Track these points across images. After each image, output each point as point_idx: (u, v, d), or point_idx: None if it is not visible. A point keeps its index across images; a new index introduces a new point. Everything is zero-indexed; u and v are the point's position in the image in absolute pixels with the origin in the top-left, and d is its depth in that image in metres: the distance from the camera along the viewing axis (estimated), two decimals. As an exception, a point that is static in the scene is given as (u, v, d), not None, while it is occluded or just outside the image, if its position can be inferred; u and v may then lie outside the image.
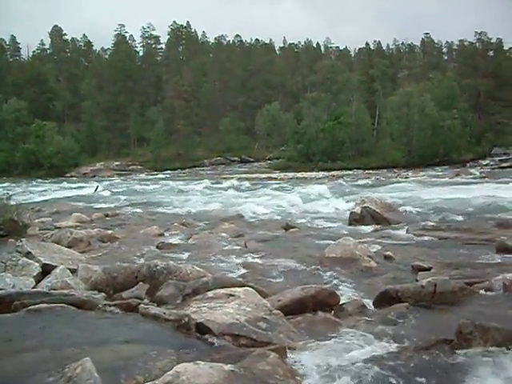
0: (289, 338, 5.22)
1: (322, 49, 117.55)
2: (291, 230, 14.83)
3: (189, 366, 3.85)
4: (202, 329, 5.08)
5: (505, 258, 10.01)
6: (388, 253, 10.29)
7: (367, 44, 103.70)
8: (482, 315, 5.71)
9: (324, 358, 4.83)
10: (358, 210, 16.01)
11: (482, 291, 7.12)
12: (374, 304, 6.72)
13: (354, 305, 6.60)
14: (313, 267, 9.44)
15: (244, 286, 6.36)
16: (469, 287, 6.90)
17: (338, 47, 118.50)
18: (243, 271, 9.32)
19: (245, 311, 5.44)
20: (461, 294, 6.46)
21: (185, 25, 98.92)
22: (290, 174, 48.14)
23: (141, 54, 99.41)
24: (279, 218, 18.48)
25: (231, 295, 5.84)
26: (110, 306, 5.92)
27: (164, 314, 5.24)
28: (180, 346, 4.72)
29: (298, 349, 5.03)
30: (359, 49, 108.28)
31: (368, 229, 14.79)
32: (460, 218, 16.76)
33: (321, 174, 48.21)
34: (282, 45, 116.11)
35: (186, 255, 11.15)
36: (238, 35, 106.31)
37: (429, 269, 8.69)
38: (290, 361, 4.74)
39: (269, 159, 69.18)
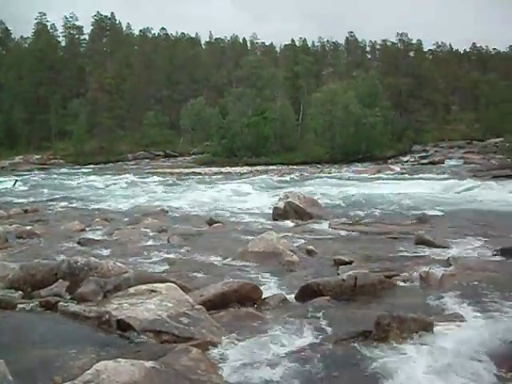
0: (211, 332, 5.20)
1: (248, 44, 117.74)
2: (215, 224, 14.79)
3: (109, 363, 3.77)
4: (124, 325, 5.00)
5: (422, 250, 10.35)
6: (310, 247, 10.43)
7: (293, 41, 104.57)
8: (400, 306, 5.88)
9: (247, 351, 4.84)
10: (281, 204, 16.14)
11: (400, 283, 7.35)
12: (296, 298, 6.79)
13: (277, 299, 6.65)
14: (236, 262, 9.46)
15: (166, 282, 6.30)
16: (388, 280, 7.09)
17: (263, 43, 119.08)
18: (166, 267, 9.24)
19: (167, 307, 5.39)
20: (380, 287, 6.63)
21: (109, 16, 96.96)
22: (215, 169, 48.00)
23: (63, 44, 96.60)
24: (203, 212, 18.40)
25: (153, 291, 5.76)
26: (27, 304, 5.73)
27: (84, 311, 5.12)
28: (101, 344, 4.63)
29: (220, 343, 5.03)
30: (285, 45, 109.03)
31: (291, 223, 14.94)
32: (381, 212, 17.20)
33: (245, 169, 48.31)
34: (207, 39, 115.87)
35: (107, 251, 10.95)
36: (163, 28, 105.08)
37: (350, 262, 8.86)
38: (212, 355, 4.73)
39: (193, 154, 68.72)
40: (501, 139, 54.54)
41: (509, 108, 68.65)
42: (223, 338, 5.16)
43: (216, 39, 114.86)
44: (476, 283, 6.62)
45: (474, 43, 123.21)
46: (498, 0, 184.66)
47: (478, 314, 5.60)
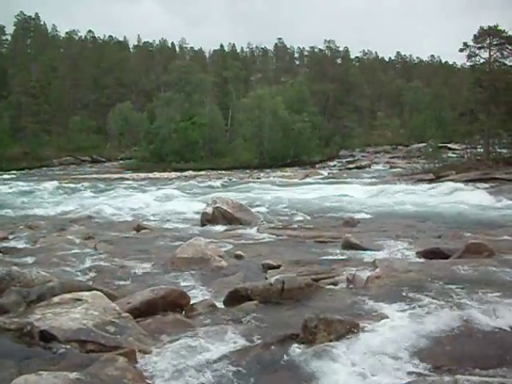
0: (139, 340, 5.12)
1: (177, 49, 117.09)
2: (143, 231, 14.64)
3: (30, 377, 3.64)
4: (47, 336, 4.84)
5: (349, 253, 10.55)
6: (239, 252, 10.46)
7: (221, 46, 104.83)
8: (328, 309, 5.95)
9: (175, 359, 4.79)
10: (209, 210, 16.12)
11: (327, 286, 7.45)
12: (224, 303, 6.78)
13: (205, 304, 6.63)
14: (164, 268, 9.38)
15: (92, 290, 6.15)
16: (315, 283, 7.16)
17: (192, 48, 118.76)
18: (93, 274, 9.06)
19: (92, 315, 5.26)
20: (308, 290, 6.68)
21: (33, 16, 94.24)
22: (143, 175, 47.32)
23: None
24: (131, 219, 18.16)
25: (78, 300, 5.61)
26: None
27: (4, 323, 4.92)
28: (22, 357, 4.46)
29: (148, 351, 4.95)
30: (214, 50, 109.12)
31: (220, 229, 14.95)
32: (309, 216, 17.43)
33: (174, 174, 47.89)
34: (136, 43, 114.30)
35: (31, 259, 10.63)
36: (90, 31, 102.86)
37: (278, 267, 8.93)
38: (139, 364, 4.66)
39: (121, 159, 67.59)
40: (424, 144, 56.23)
41: (431, 114, 70.99)
42: (151, 345, 5.09)
43: (144, 43, 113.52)
44: (400, 284, 6.78)
45: (398, 52, 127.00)
46: (421, 11, 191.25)
47: (402, 314, 5.74)
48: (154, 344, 5.14)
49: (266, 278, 7.66)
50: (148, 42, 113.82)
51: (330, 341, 4.90)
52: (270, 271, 8.63)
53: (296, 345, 4.92)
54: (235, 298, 6.67)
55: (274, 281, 6.55)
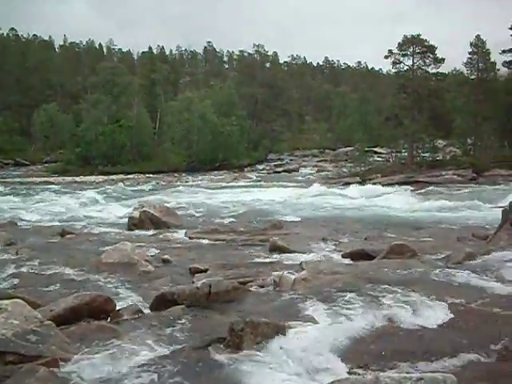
0: (62, 349, 4.96)
1: (105, 50, 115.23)
2: (68, 236, 14.29)
3: None
4: (-39, 348, 4.64)
5: (276, 256, 10.64)
6: (166, 256, 10.38)
7: (150, 48, 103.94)
8: (255, 312, 5.97)
9: (99, 366, 4.69)
10: (136, 214, 15.91)
11: (255, 289, 7.48)
12: (150, 308, 6.70)
13: (131, 310, 6.53)
14: (89, 274, 9.19)
15: (13, 298, 5.94)
16: (243, 286, 7.19)
17: (120, 49, 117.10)
18: (14, 282, 8.77)
19: (12, 325, 5.07)
20: (235, 293, 6.68)
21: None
22: (69, 178, 46.18)
23: None
24: (55, 224, 17.68)
25: (-3, 308, 5.41)
26: None
27: None
28: None
29: (71, 360, 4.81)
30: (142, 52, 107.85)
31: (147, 233, 14.79)
32: (237, 220, 17.47)
33: (101, 178, 47.00)
34: (62, 43, 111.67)
35: None
36: (13, 28, 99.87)
37: (205, 270, 8.91)
38: (62, 373, 4.52)
39: (46, 162, 65.79)
40: (351, 148, 57.37)
41: (358, 119, 72.49)
42: (74, 353, 4.96)
43: (71, 43, 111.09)
44: (326, 285, 6.88)
45: (326, 57, 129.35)
46: (349, 19, 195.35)
47: (329, 314, 5.81)
48: (77, 352, 5.01)
49: (193, 282, 7.62)
50: (75, 42, 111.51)
51: (257, 344, 4.90)
52: (197, 275, 8.60)
53: (223, 348, 4.91)
54: (162, 303, 6.60)
55: (201, 284, 6.52)
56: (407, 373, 4.29)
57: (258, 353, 4.76)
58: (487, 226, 13.67)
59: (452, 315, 5.86)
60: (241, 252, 11.44)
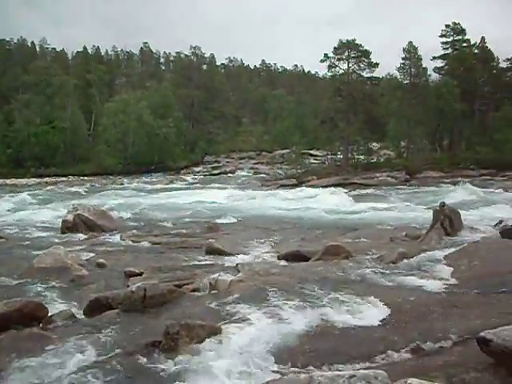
0: (-10, 357, 4.83)
1: (37, 49, 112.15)
2: (-2, 240, 13.87)
3: None
4: None
5: (212, 258, 10.62)
6: (101, 260, 10.19)
7: (85, 48, 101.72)
8: (191, 314, 5.94)
9: (30, 374, 4.58)
10: (70, 217, 15.57)
11: (190, 292, 7.44)
12: (84, 313, 6.58)
13: (64, 315, 6.38)
14: (21, 279, 8.92)
15: None
16: (178, 289, 7.14)
17: (54, 48, 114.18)
18: None
19: None
20: (170, 296, 6.63)
21: None
22: (-1, 181, 44.95)
23: None
24: (-15, 228, 17.11)
25: None
26: None
27: None
28: None
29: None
30: (77, 52, 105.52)
31: (81, 236, 14.49)
32: (173, 222, 17.33)
33: (33, 180, 45.83)
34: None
35: None
36: None
37: (140, 274, 8.81)
38: (-10, 384, 4.39)
39: (-25, 165, 63.89)
40: (287, 150, 57.91)
41: (295, 122, 73.22)
42: (3, 362, 4.81)
43: (1, 41, 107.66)
44: (261, 287, 6.91)
45: (263, 60, 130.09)
46: (286, 22, 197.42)
47: (264, 316, 5.84)
48: (6, 361, 4.87)
49: (128, 286, 7.51)
50: (5, 40, 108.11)
51: (193, 346, 4.90)
52: (132, 279, 8.49)
53: (158, 352, 4.88)
54: (96, 308, 6.49)
55: (136, 288, 6.44)
56: (340, 371, 4.36)
57: (194, 355, 4.75)
58: (419, 226, 14.00)
59: (385, 314, 5.99)
60: (177, 255, 11.36)
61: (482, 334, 4.39)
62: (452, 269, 8.30)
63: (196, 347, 4.89)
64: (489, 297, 6.72)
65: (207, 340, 5.01)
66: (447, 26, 55.10)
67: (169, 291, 6.65)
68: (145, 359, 4.78)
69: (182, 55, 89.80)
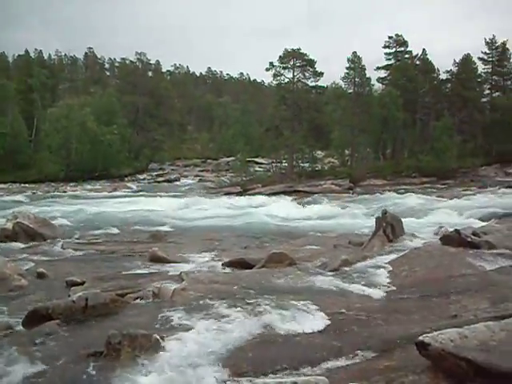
0: None
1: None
2: None
3: None
4: None
5: (156, 267, 10.53)
6: (41, 270, 9.96)
7: (27, 52, 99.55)
8: (133, 324, 5.86)
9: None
10: (9, 225, 15.17)
11: (134, 300, 7.35)
12: (23, 324, 6.39)
13: (0, 327, 6.21)
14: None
15: None
16: (121, 298, 7.04)
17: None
18: None
19: None
20: (113, 306, 6.52)
21: None
22: None
23: None
24: None
25: None
26: None
27: None
28: None
29: None
30: (18, 55, 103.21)
31: (21, 245, 14.14)
32: (117, 230, 17.12)
33: (-31, 188, 44.57)
34: None
35: None
36: None
37: (82, 283, 8.66)
38: None
39: None
40: (232, 158, 57.97)
41: (240, 129, 73.38)
42: None
43: None
44: (205, 295, 6.88)
45: (209, 67, 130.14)
46: (232, 31, 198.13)
47: (208, 324, 5.81)
48: None
49: (69, 296, 7.37)
50: None
51: (135, 356, 4.82)
52: (73, 288, 8.32)
53: (99, 363, 4.79)
54: (35, 319, 6.32)
55: (77, 298, 6.31)
56: (282, 378, 4.39)
57: (136, 365, 4.68)
58: (362, 234, 14.22)
59: (328, 321, 6.06)
60: (120, 263, 11.22)
61: (420, 338, 4.51)
62: (394, 275, 8.47)
63: (138, 357, 4.81)
64: (428, 301, 6.90)
65: (150, 350, 4.95)
66: (390, 37, 56.57)
67: (111, 300, 6.54)
68: (85, 370, 4.68)
69: (128, 61, 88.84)
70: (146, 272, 10.00)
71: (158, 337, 5.16)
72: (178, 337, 5.40)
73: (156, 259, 11.06)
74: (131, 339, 4.91)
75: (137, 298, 7.49)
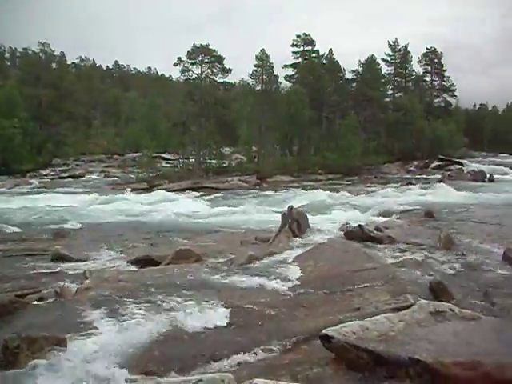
0: None
1: None
2: None
3: None
4: None
5: (59, 266, 10.20)
6: None
7: None
8: (35, 326, 5.67)
9: None
10: None
11: (35, 302, 7.08)
12: None
13: None
14: None
15: None
16: (21, 299, 6.78)
17: None
18: None
19: None
20: (12, 308, 6.28)
21: None
22: None
23: None
24: None
25: None
26: None
27: None
28: None
29: None
30: None
31: None
32: (17, 229, 16.37)
33: None
34: None
35: None
36: None
37: (-21, 284, 8.27)
38: None
39: None
40: (139, 154, 57.10)
41: (147, 125, 72.37)
42: None
43: None
44: (110, 294, 6.75)
45: (116, 61, 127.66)
46: (144, 25, 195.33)
47: (112, 323, 5.73)
48: None
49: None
50: None
51: (35, 359, 4.65)
52: (-31, 290, 7.94)
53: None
54: None
55: (-28, 300, 6.04)
56: (187, 375, 4.37)
57: (35, 369, 4.50)
58: (269, 230, 14.34)
59: (234, 316, 6.10)
60: (20, 263, 10.76)
61: (324, 331, 4.63)
62: (299, 270, 8.62)
63: (38, 361, 4.64)
64: (333, 295, 7.07)
65: (51, 352, 4.80)
66: (298, 36, 57.38)
67: (10, 302, 6.30)
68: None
69: (30, 51, 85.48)
70: (49, 271, 9.67)
71: (60, 338, 5.01)
72: (81, 337, 5.29)
73: (59, 258, 10.72)
74: (31, 342, 4.74)
75: (38, 299, 7.23)
